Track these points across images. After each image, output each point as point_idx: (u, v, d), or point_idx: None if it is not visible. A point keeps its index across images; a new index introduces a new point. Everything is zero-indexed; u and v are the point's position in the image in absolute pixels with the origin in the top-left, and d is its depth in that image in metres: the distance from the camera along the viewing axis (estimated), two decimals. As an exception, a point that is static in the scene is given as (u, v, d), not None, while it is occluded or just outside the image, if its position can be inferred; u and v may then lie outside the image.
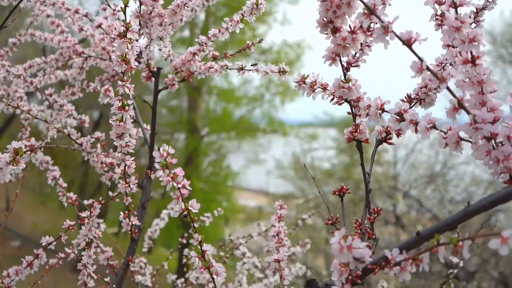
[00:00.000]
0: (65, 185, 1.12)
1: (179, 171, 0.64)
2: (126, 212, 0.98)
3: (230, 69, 0.98)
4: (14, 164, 0.68)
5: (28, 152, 0.68)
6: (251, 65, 0.93)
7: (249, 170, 12.16)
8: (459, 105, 0.53)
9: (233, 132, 11.56)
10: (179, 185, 0.64)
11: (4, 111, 1.35)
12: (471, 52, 0.55)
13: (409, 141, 7.94)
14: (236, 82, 11.81)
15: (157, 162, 0.63)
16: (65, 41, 1.19)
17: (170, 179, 0.64)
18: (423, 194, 6.40)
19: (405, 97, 0.71)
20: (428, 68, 0.52)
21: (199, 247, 0.67)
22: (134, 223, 0.99)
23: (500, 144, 0.54)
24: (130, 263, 1.02)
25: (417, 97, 0.70)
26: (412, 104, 0.71)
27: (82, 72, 1.22)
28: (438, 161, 7.35)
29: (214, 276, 0.66)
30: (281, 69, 0.86)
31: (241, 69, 0.96)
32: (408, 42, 0.52)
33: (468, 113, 0.52)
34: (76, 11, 1.10)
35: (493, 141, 0.54)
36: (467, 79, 0.56)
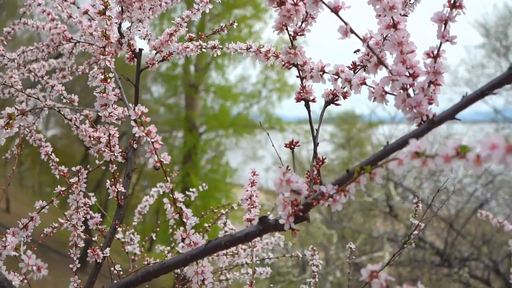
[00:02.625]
0: (57, 159, 1.21)
1: (152, 128, 0.74)
2: (112, 180, 1.08)
3: (204, 48, 1.08)
4: (8, 127, 0.78)
5: (20, 116, 0.78)
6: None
7: (248, 167, 12.24)
8: (379, 61, 0.63)
9: (231, 129, 11.67)
10: (153, 140, 0.74)
11: (1, 96, 1.45)
12: (392, 18, 0.65)
13: (402, 133, 8.05)
14: (233, 79, 11.89)
15: (133, 120, 0.73)
16: (55, 28, 1.29)
17: (145, 135, 0.73)
18: (416, 184, 6.51)
19: (351, 64, 0.81)
20: (351, 31, 0.62)
21: (171, 195, 0.77)
22: (120, 190, 1.09)
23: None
24: (117, 227, 1.12)
25: (361, 63, 0.80)
26: (357, 70, 0.81)
27: (72, 56, 1.32)
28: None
29: (184, 220, 0.77)
30: (248, 46, 0.95)
31: (214, 47, 1.06)
32: (335, 9, 0.62)
33: (386, 67, 0.63)
34: (64, -1, 1.20)
35: (412, 92, 0.64)
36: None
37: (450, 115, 0.58)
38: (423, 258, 6.15)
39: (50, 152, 1.24)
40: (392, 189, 5.85)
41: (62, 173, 1.19)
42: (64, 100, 1.20)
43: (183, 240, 0.76)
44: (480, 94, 0.56)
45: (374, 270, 0.51)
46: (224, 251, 1.25)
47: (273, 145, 1.04)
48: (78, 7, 1.20)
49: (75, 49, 1.32)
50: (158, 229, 1.60)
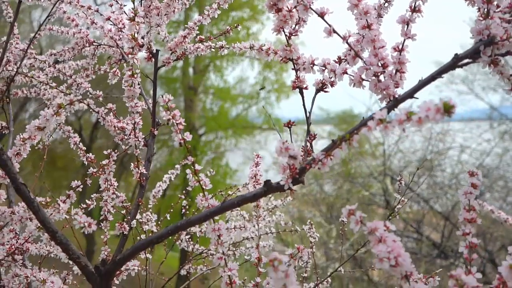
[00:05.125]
0: (84, 148, 1.39)
1: (177, 112, 0.91)
2: (136, 162, 1.25)
3: (213, 48, 1.26)
4: (57, 116, 0.95)
5: (68, 105, 0.95)
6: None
7: (247, 168, 12.39)
8: (356, 55, 0.81)
9: (230, 130, 11.84)
10: (177, 122, 0.91)
11: (28, 95, 1.63)
12: (366, 20, 0.82)
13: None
14: (231, 80, 12.08)
15: (161, 105, 0.90)
16: (79, 32, 1.46)
17: (171, 117, 0.91)
18: (412, 179, 6.69)
19: (337, 58, 0.98)
20: (334, 31, 0.79)
21: (193, 167, 0.94)
22: (142, 172, 1.26)
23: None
24: (140, 204, 1.29)
25: (345, 57, 0.97)
26: (342, 62, 0.98)
27: (94, 58, 1.49)
28: (429, 150, 7.67)
29: (204, 187, 0.94)
30: (251, 45, 1.13)
31: (221, 47, 1.24)
32: (321, 14, 0.79)
33: (362, 59, 0.80)
34: (89, 8, 1.38)
35: (383, 78, 0.82)
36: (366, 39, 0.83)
37: (409, 95, 0.76)
38: (420, 250, 6.33)
39: (78, 142, 1.41)
40: (389, 184, 6.04)
41: (89, 160, 1.36)
42: (90, 96, 1.37)
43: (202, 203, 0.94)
44: (431, 78, 0.74)
45: (351, 208, 0.68)
46: (233, 225, 1.43)
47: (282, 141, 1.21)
48: (101, 14, 1.38)
49: (96, 51, 1.50)
50: (171, 210, 1.77)
